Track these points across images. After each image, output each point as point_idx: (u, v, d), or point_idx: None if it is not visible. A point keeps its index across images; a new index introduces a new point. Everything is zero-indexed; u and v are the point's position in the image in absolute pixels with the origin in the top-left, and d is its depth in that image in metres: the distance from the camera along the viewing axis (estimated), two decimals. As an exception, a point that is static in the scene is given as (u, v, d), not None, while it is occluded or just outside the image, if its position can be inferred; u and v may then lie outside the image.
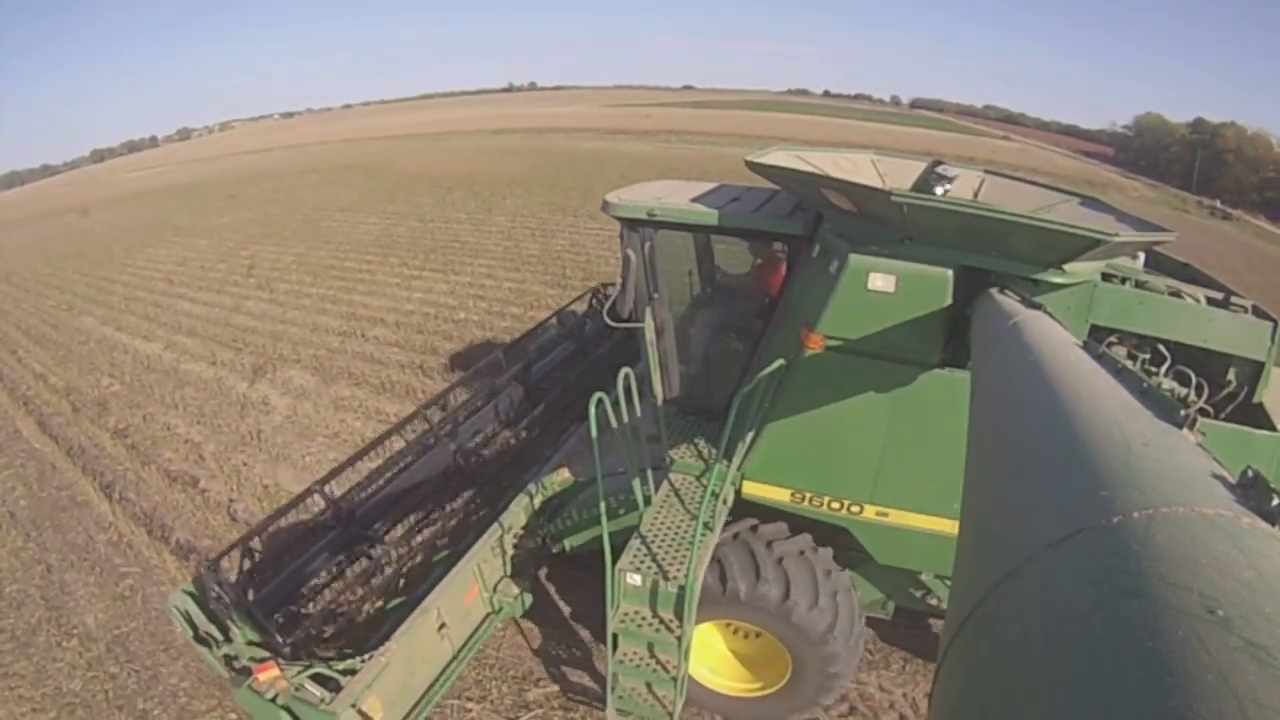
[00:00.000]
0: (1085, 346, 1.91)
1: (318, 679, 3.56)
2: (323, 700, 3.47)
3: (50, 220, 37.31)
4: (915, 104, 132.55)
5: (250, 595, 4.30)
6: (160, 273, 19.12)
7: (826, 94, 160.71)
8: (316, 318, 13.37)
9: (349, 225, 22.38)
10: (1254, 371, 3.36)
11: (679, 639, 3.73)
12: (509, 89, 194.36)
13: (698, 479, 4.54)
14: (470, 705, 4.78)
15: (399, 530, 5.37)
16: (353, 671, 3.60)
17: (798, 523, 4.25)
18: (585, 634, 5.30)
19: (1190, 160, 52.29)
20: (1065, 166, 47.78)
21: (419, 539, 5.18)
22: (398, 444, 5.67)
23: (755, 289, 4.93)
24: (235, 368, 11.31)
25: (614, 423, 3.70)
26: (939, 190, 3.71)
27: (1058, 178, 32.29)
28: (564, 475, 5.10)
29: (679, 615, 3.71)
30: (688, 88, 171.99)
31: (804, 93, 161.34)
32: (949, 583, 3.64)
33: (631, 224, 4.43)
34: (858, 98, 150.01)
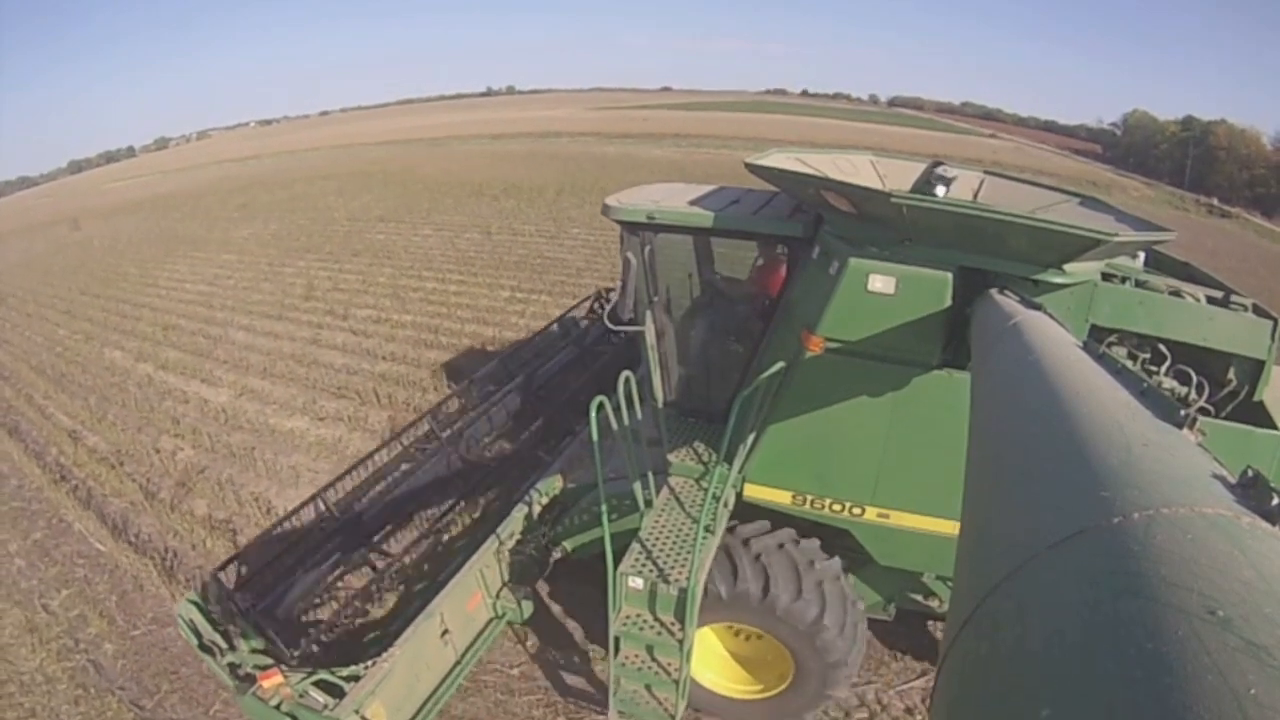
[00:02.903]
0: (1085, 346, 1.91)
1: (321, 685, 3.56)
2: (326, 707, 3.46)
3: (38, 233, 34.86)
4: (894, 102, 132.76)
5: (254, 603, 4.31)
6: (191, 294, 16.57)
7: (805, 93, 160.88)
8: (431, 354, 10.79)
9: (400, 238, 20.31)
10: (1254, 370, 3.36)
11: (680, 642, 3.73)
12: (488, 93, 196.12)
13: (698, 482, 4.54)
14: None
15: (402, 537, 5.38)
16: (356, 678, 3.59)
17: (799, 525, 4.25)
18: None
19: (1180, 158, 52.37)
20: (1065, 166, 47.47)
21: (422, 545, 5.19)
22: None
23: (755, 291, 4.94)
24: (358, 424, 8.64)
25: (615, 426, 3.70)
26: (938, 191, 3.71)
27: (1062, 178, 32.02)
28: (565, 480, 5.10)
29: (680, 618, 3.71)
30: (665, 89, 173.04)
31: (782, 92, 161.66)
32: (950, 584, 3.62)
33: (631, 227, 4.44)
34: (836, 96, 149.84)
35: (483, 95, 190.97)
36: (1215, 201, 36.82)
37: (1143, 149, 61.83)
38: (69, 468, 8.46)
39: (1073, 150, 67.32)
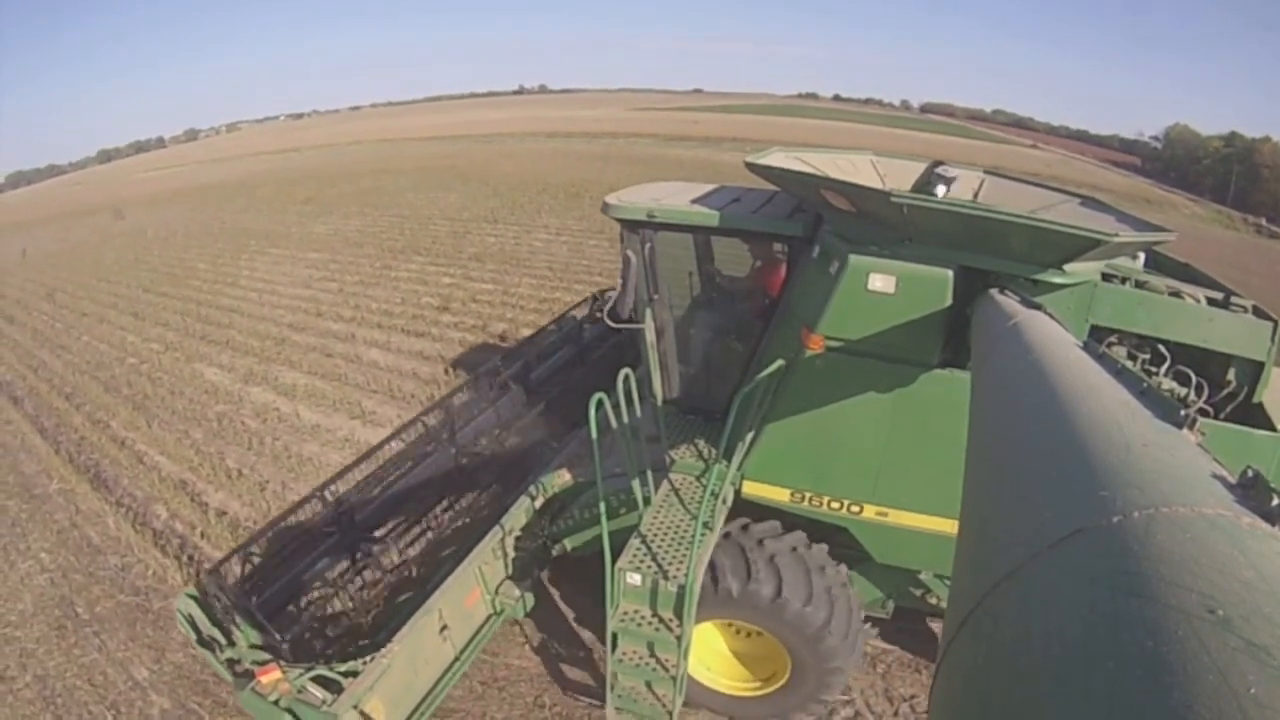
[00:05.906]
0: (1085, 346, 1.91)
1: (320, 681, 3.56)
2: (325, 702, 3.46)
3: (75, 222, 32.37)
4: (925, 108, 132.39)
5: (253, 598, 4.31)
6: (286, 298, 14.24)
7: (837, 98, 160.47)
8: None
9: (519, 243, 18.19)
10: (1254, 371, 3.36)
11: (678, 638, 3.74)
12: (520, 91, 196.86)
13: (697, 479, 4.54)
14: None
15: (400, 533, 5.37)
16: (355, 673, 3.59)
17: (797, 522, 4.26)
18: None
19: (1223, 174, 51.57)
20: (1115, 182, 45.02)
21: (421, 541, 5.18)
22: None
23: (755, 290, 4.94)
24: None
25: (614, 424, 3.70)
26: (939, 191, 3.72)
27: (1117, 194, 30.22)
28: (565, 476, 5.10)
29: (678, 614, 3.72)
30: (696, 91, 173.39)
31: (814, 96, 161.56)
32: (949, 582, 3.63)
33: (631, 225, 4.44)
34: (868, 101, 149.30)
35: (515, 94, 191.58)
36: (1264, 221, 35.85)
37: (1184, 164, 60.89)
38: (194, 541, 6.10)
39: (1112, 163, 66.49)
